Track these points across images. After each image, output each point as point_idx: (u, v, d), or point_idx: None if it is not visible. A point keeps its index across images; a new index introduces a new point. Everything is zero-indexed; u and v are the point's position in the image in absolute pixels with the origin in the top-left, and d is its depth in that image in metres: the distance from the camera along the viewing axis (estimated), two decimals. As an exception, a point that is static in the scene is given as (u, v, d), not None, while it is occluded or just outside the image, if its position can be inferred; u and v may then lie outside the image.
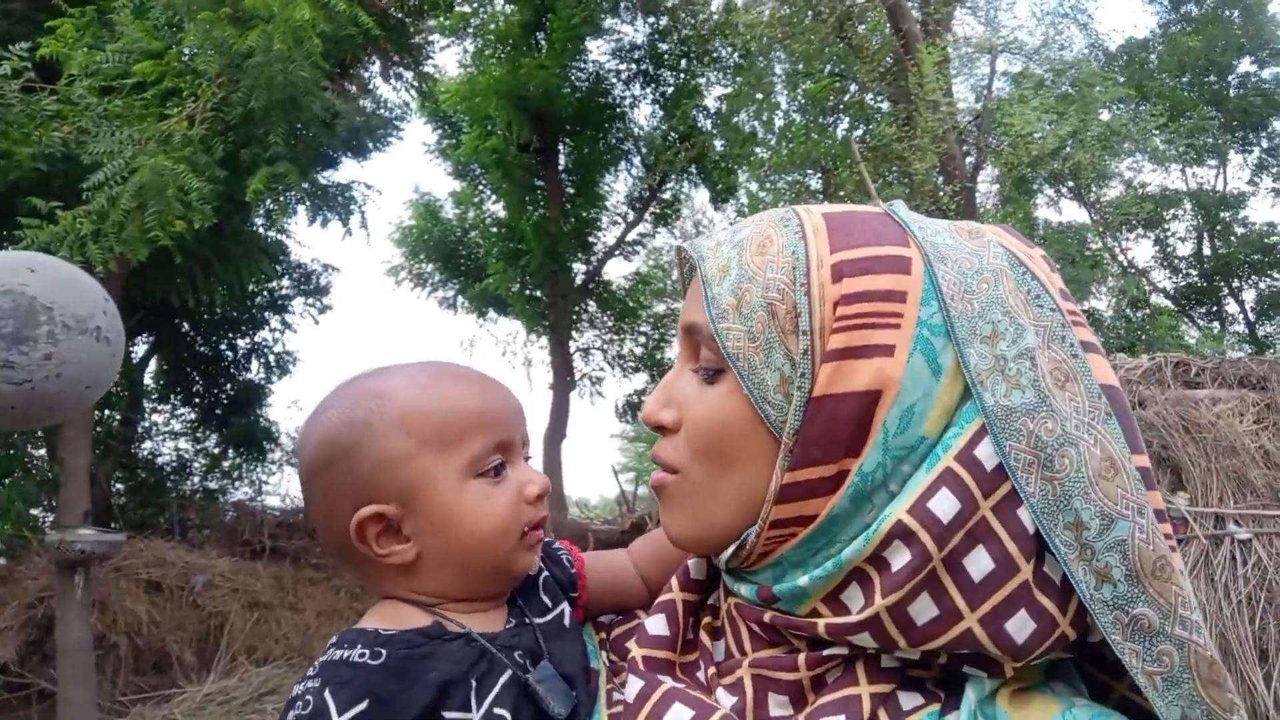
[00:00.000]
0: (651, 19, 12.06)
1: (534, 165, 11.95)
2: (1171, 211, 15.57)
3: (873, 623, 0.56)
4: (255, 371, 10.23)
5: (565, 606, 0.73)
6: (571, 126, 11.91)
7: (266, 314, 10.10)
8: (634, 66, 12.32)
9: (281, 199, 6.90)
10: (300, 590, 7.60)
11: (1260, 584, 2.93)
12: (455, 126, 12.61)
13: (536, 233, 11.34)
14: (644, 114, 13.39)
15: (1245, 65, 15.56)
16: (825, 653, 0.60)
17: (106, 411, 9.02)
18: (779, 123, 11.69)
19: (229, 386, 10.16)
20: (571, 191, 12.44)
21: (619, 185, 13.43)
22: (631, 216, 13.39)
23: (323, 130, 6.41)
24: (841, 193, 9.00)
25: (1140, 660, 0.53)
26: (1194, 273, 16.10)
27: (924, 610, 0.55)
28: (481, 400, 0.70)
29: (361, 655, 0.60)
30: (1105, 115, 9.71)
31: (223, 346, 10.07)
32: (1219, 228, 15.68)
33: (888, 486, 0.57)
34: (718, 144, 12.32)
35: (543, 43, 11.06)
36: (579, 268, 12.97)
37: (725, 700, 0.62)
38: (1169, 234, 16.06)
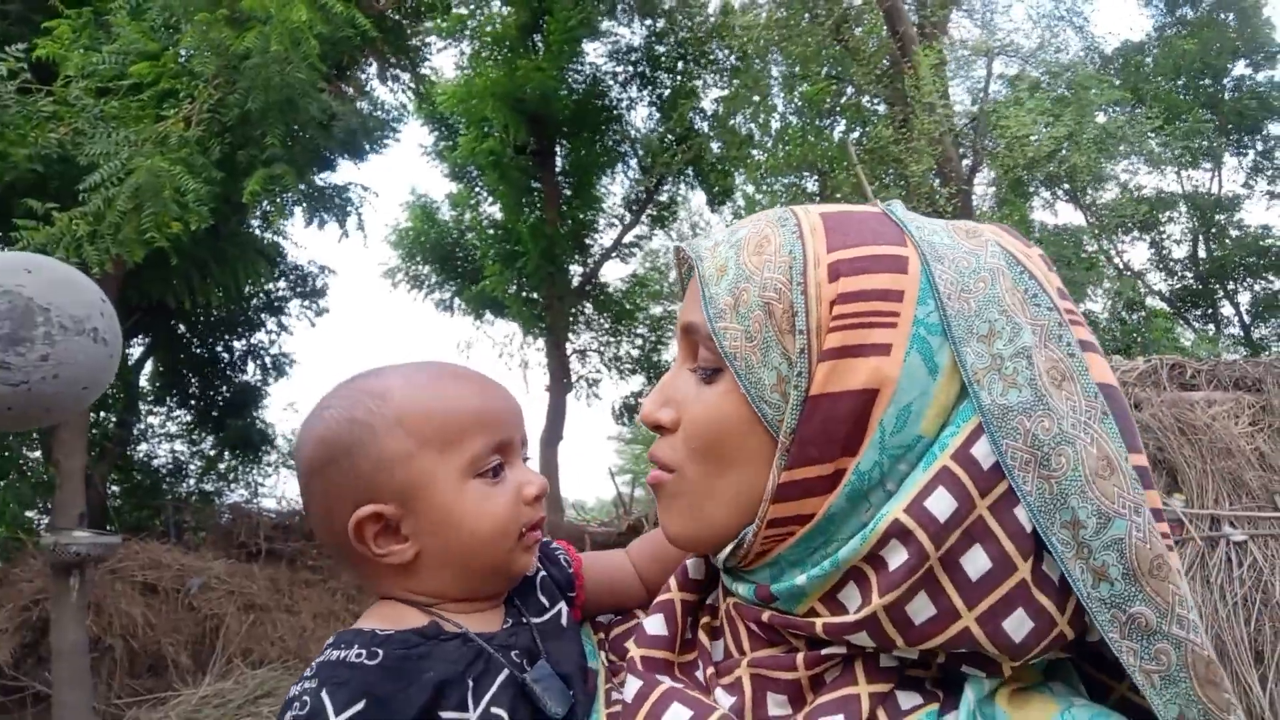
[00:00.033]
0: (648, 21, 12.07)
1: (531, 167, 11.94)
2: (1167, 214, 15.61)
3: (870, 622, 0.55)
4: (251, 373, 10.24)
5: (562, 606, 0.73)
6: (568, 128, 11.92)
7: (263, 316, 10.11)
8: (631, 69, 12.33)
9: (278, 201, 6.92)
10: (296, 592, 7.59)
11: (1255, 585, 2.94)
12: (452, 128, 12.61)
13: (533, 235, 11.34)
14: (641, 116, 13.39)
15: (1240, 68, 15.67)
16: (824, 652, 0.60)
17: (102, 413, 9.00)
18: (776, 125, 11.68)
19: (225, 388, 10.15)
20: (568, 193, 12.44)
21: (616, 187, 13.47)
22: (628, 218, 13.40)
23: (319, 132, 6.41)
24: (838, 195, 9.00)
25: (1138, 659, 0.53)
26: (1189, 275, 16.16)
27: (921, 609, 0.55)
28: (481, 400, 0.70)
29: (358, 655, 0.60)
30: (1101, 118, 9.72)
31: (219, 348, 10.06)
32: (1214, 230, 15.74)
33: (884, 485, 0.57)
34: (714, 146, 12.33)
35: (540, 45, 11.06)
36: (576, 270, 12.98)
37: (724, 700, 0.62)
38: (1164, 236, 16.12)
